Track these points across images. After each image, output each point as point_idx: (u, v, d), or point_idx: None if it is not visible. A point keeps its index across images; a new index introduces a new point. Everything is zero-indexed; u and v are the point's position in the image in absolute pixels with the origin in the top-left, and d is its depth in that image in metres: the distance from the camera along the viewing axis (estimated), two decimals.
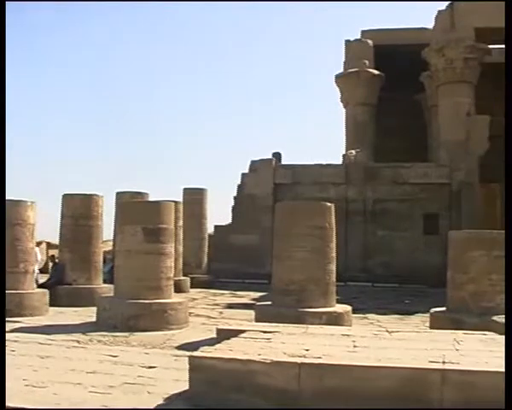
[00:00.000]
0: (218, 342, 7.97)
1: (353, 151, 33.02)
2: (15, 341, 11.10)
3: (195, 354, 7.20)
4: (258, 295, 22.42)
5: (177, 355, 10.18)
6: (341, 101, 39.01)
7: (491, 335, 9.20)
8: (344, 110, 39.00)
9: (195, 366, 6.95)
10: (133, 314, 13.23)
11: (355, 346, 7.74)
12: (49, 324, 13.81)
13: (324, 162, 32.65)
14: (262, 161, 32.85)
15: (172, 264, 14.59)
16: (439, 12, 32.87)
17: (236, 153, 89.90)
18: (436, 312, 13.38)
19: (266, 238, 27.13)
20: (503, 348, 7.72)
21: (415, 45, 33.46)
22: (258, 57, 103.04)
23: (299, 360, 6.75)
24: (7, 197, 15.48)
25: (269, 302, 14.08)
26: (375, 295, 24.56)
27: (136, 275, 13.68)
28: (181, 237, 24.97)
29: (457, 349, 7.59)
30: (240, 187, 33.23)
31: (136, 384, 8.00)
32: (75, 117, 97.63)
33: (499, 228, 18.45)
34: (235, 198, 33.31)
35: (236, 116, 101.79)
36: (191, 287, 24.65)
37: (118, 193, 23.98)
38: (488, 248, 12.63)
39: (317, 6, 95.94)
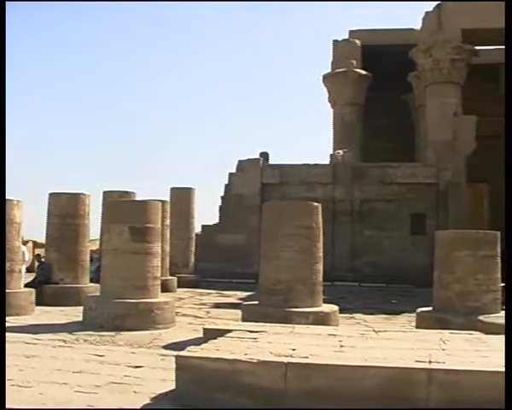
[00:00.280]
0: (205, 342, 7.96)
1: (341, 151, 33.07)
2: None
3: (182, 353, 7.18)
4: (245, 294, 22.41)
5: (163, 355, 10.15)
6: (329, 101, 39.07)
7: (477, 334, 9.23)
8: (331, 110, 39.07)
9: (182, 366, 6.94)
10: (120, 314, 13.18)
11: (342, 346, 7.75)
12: (35, 323, 13.74)
13: (312, 162, 32.67)
14: (249, 160, 32.83)
15: (159, 263, 14.56)
16: (427, 13, 32.98)
17: (224, 153, 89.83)
18: (422, 311, 13.43)
19: (253, 238, 27.12)
20: (489, 348, 7.76)
21: (402, 46, 33.56)
22: (246, 57, 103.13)
23: (285, 360, 6.74)
24: None
25: (256, 302, 14.07)
26: (362, 295, 24.60)
27: (123, 274, 13.64)
28: (168, 236, 24.93)
29: (443, 349, 7.61)
30: (227, 187, 33.20)
31: (122, 384, 7.98)
32: (62, 116, 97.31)
33: (486, 228, 18.60)
34: (222, 198, 33.28)
35: (224, 116, 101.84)
36: (178, 287, 24.60)
37: (105, 192, 23.92)
38: (474, 248, 12.69)
39: (305, 6, 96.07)
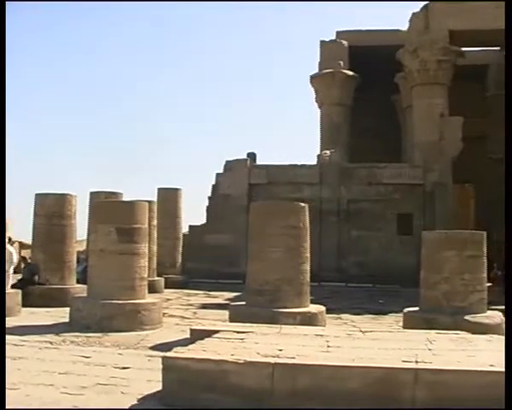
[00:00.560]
0: (192, 343, 7.96)
1: (328, 151, 33.13)
2: None
3: (169, 354, 7.19)
4: (232, 295, 22.40)
5: (150, 356, 10.14)
6: (316, 101, 39.11)
7: (463, 334, 9.28)
8: (319, 111, 39.12)
9: (169, 367, 6.94)
10: (107, 315, 13.15)
11: (328, 346, 7.77)
12: (21, 324, 13.66)
13: (299, 163, 32.73)
14: (237, 161, 32.84)
15: (146, 264, 14.55)
16: (414, 14, 33.08)
17: (211, 153, 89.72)
18: (409, 311, 13.47)
19: (241, 238, 27.13)
20: (475, 348, 7.80)
21: (389, 46, 33.63)
22: (234, 58, 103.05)
23: (272, 360, 6.75)
24: None
25: (243, 302, 14.08)
26: (349, 295, 24.64)
27: (110, 275, 13.60)
28: (155, 236, 24.91)
29: (430, 349, 7.65)
30: (214, 187, 33.19)
31: (109, 385, 7.96)
32: (49, 117, 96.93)
33: (472, 228, 18.75)
34: (209, 198, 33.27)
35: (211, 116, 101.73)
36: (165, 287, 24.57)
37: (92, 193, 23.86)
38: (460, 248, 12.74)
39: (292, 7, 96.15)
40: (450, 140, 31.17)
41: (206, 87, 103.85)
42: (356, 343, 8.10)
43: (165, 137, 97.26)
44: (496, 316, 12.77)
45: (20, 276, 20.13)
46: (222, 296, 22.85)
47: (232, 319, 12.57)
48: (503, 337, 9.98)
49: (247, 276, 13.69)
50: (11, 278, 17.89)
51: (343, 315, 17.81)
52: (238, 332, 8.65)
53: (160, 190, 28.34)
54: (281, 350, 7.30)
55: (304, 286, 13.41)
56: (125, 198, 22.42)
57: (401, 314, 13.95)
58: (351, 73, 37.10)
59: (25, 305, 16.23)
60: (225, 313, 14.13)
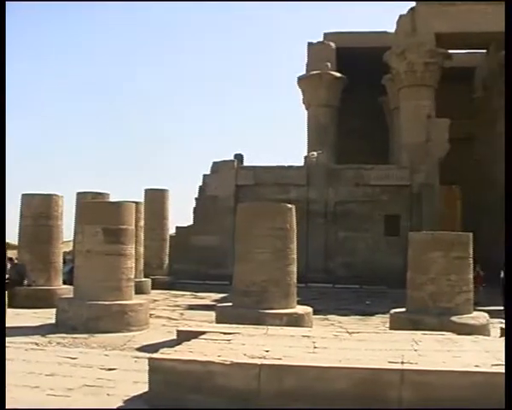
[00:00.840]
0: (179, 344, 7.95)
1: (315, 153, 33.16)
2: None
3: (155, 355, 7.17)
4: (219, 296, 22.40)
5: (137, 357, 10.12)
6: (303, 102, 39.19)
7: (449, 335, 9.32)
8: (306, 112, 39.17)
9: (155, 368, 6.93)
10: (93, 316, 13.11)
11: (315, 347, 7.78)
12: (7, 326, 13.58)
13: (286, 164, 32.77)
14: (224, 162, 32.82)
15: (133, 265, 14.51)
16: (401, 16, 33.19)
17: (198, 154, 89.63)
18: (396, 312, 13.51)
19: (228, 240, 27.14)
20: (461, 348, 7.83)
21: (377, 48, 33.76)
22: (221, 58, 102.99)
23: (258, 362, 6.76)
24: None
25: (230, 304, 14.08)
26: (336, 296, 24.69)
27: (97, 276, 13.56)
28: (142, 237, 24.86)
29: (416, 350, 7.67)
30: (201, 188, 33.16)
31: (95, 386, 7.94)
32: (37, 116, 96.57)
33: (459, 229, 18.87)
34: (196, 199, 33.23)
35: (198, 117, 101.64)
36: (152, 288, 24.54)
37: (79, 193, 23.80)
38: (447, 249, 12.78)
39: (280, 8, 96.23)
40: (437, 142, 31.28)
41: (193, 88, 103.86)
42: (342, 344, 8.12)
43: (152, 138, 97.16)
44: (481, 317, 12.84)
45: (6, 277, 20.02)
46: (209, 297, 22.84)
47: (219, 321, 12.57)
48: (488, 338, 10.05)
49: (234, 277, 13.68)
50: None
51: (330, 316, 17.85)
52: (225, 333, 8.65)
53: (147, 190, 28.32)
54: (267, 351, 7.30)
55: (291, 287, 13.42)
56: (112, 199, 22.36)
57: (388, 315, 13.99)
58: (338, 74, 37.19)
59: (11, 306, 16.12)
60: (212, 315, 14.12)
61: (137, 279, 19.42)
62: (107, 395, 7.56)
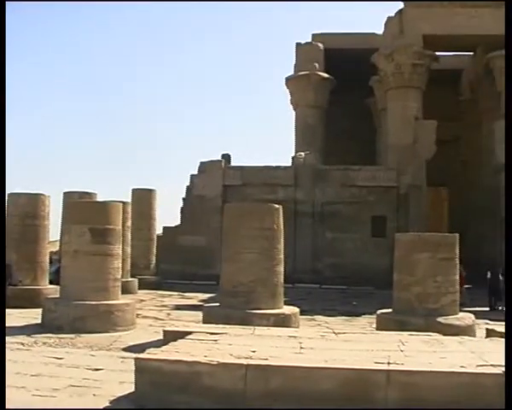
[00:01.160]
0: (165, 344, 7.94)
1: (302, 153, 33.20)
2: None
3: (141, 355, 7.16)
4: (206, 296, 22.39)
5: (123, 357, 10.09)
6: (291, 103, 39.22)
7: (435, 336, 9.35)
8: (294, 112, 39.20)
9: (141, 368, 6.91)
10: (79, 316, 13.06)
11: (302, 347, 7.79)
12: None
13: (273, 164, 32.78)
14: (211, 162, 32.80)
15: (120, 265, 14.48)
16: (389, 18, 33.32)
17: (186, 154, 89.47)
18: (382, 313, 13.54)
19: (215, 240, 27.10)
20: (447, 349, 7.86)
21: (365, 50, 33.88)
22: (209, 58, 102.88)
23: (245, 362, 6.76)
24: None
25: (217, 304, 14.06)
26: (323, 297, 24.73)
27: (83, 276, 13.51)
28: (129, 237, 24.81)
29: (402, 350, 7.70)
30: (189, 188, 33.13)
31: (81, 387, 7.91)
32: (24, 116, 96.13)
33: (445, 231, 18.94)
34: (183, 199, 33.21)
35: (186, 117, 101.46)
36: (139, 288, 24.49)
37: (65, 193, 23.70)
38: (433, 250, 12.82)
39: (268, 8, 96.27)
40: (424, 143, 31.40)
41: (181, 88, 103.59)
42: (329, 345, 8.13)
43: (140, 138, 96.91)
44: (467, 318, 12.89)
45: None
46: (196, 298, 22.82)
47: (206, 321, 12.56)
48: (474, 339, 10.10)
49: (221, 277, 13.68)
50: None
51: (317, 317, 17.87)
52: (211, 334, 8.65)
53: (134, 190, 28.26)
54: (254, 351, 7.31)
55: (278, 288, 13.43)
56: (99, 199, 22.30)
57: (374, 316, 14.03)
58: (326, 75, 37.24)
59: None
60: (199, 315, 14.11)
61: (124, 279, 19.39)
62: (94, 395, 7.54)
